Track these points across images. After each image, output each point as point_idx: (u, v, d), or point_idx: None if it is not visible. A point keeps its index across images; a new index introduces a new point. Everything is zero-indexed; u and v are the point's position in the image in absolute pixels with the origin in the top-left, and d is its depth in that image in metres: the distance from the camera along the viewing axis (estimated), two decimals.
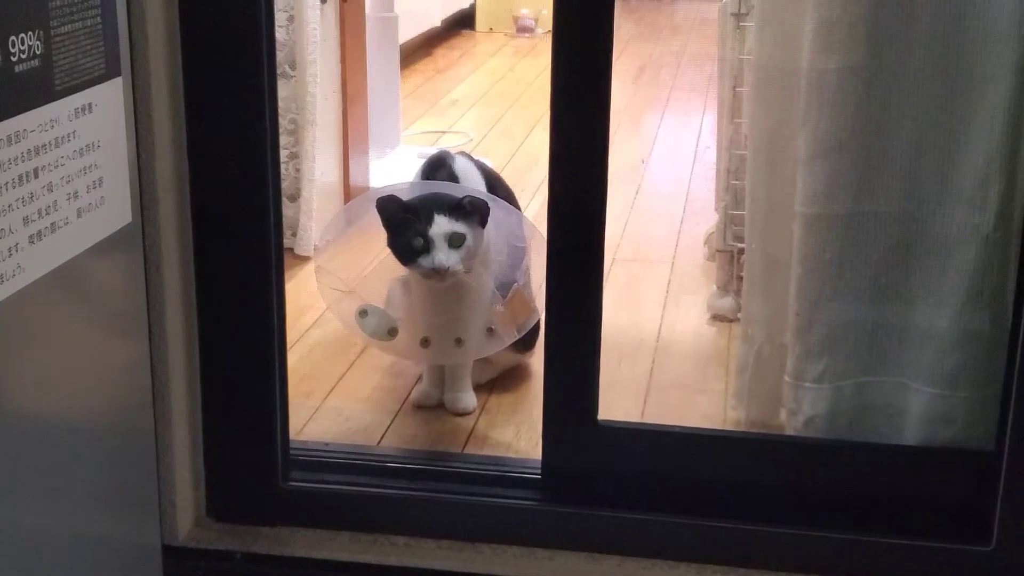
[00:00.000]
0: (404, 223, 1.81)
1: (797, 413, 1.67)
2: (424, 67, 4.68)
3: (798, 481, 1.62)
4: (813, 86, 1.59)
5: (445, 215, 1.80)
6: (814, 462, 1.63)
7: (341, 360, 2.14)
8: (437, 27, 4.91)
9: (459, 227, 1.80)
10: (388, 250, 1.86)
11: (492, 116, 3.90)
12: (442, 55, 4.95)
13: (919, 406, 1.61)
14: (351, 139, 2.80)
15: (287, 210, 2.55)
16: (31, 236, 1.11)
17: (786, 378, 1.68)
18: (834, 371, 1.64)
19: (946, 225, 1.56)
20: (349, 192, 2.82)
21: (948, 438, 1.60)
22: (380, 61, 3.08)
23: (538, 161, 3.38)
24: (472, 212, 1.82)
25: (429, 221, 1.80)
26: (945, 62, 1.53)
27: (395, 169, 3.12)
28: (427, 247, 1.80)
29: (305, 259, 2.55)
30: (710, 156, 3.16)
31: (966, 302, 1.57)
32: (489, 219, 1.84)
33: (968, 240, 1.56)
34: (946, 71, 1.53)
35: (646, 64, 4.70)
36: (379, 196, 1.85)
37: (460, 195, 1.83)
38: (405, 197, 1.85)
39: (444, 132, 3.68)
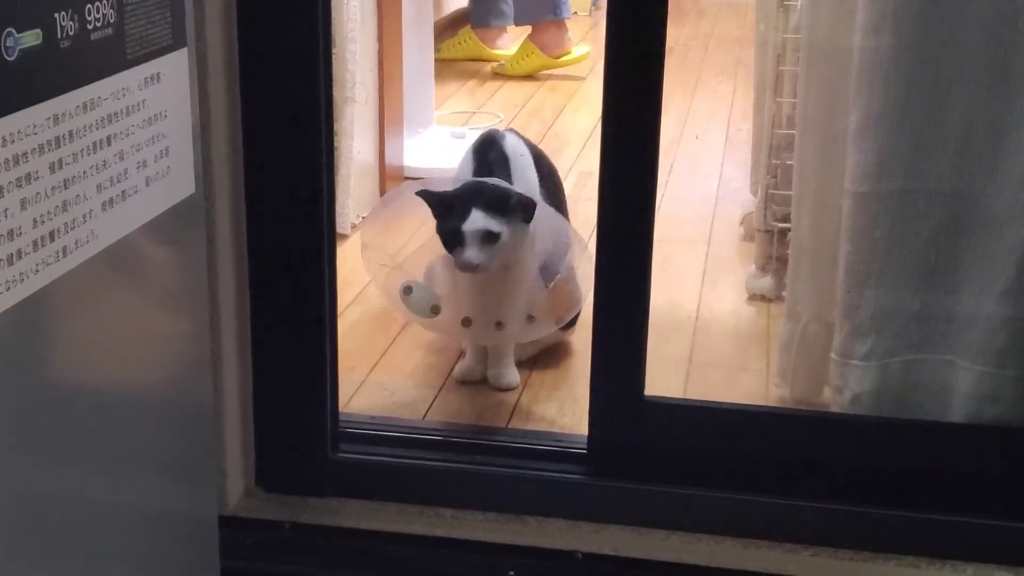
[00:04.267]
0: (447, 212, 1.82)
1: (843, 390, 1.68)
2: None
3: (844, 457, 1.62)
4: (864, 64, 1.59)
5: (483, 211, 1.79)
6: (860, 439, 1.64)
7: (382, 336, 2.15)
8: (466, 7, 4.90)
9: (495, 225, 1.79)
10: (432, 228, 1.87)
11: (522, 96, 3.90)
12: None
13: (966, 384, 1.61)
14: (387, 118, 2.81)
15: None
16: (103, 203, 1.12)
17: (833, 355, 1.69)
18: (881, 349, 1.64)
19: (996, 204, 1.57)
20: (385, 171, 2.83)
21: (995, 416, 1.60)
22: (414, 40, 3.08)
23: (569, 142, 3.38)
24: (516, 209, 1.81)
25: (464, 216, 1.79)
26: (996, 40, 1.53)
27: (428, 148, 3.13)
28: (460, 241, 1.80)
29: (343, 237, 2.55)
30: (741, 137, 3.17)
31: (1015, 280, 1.57)
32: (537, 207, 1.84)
33: (1018, 219, 1.56)
34: (997, 49, 1.53)
35: (674, 46, 4.68)
36: (417, 189, 1.85)
37: (507, 190, 1.82)
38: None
39: (475, 112, 3.68)
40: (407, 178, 2.97)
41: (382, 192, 2.83)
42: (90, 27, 1.07)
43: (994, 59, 1.54)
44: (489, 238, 1.79)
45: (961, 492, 1.59)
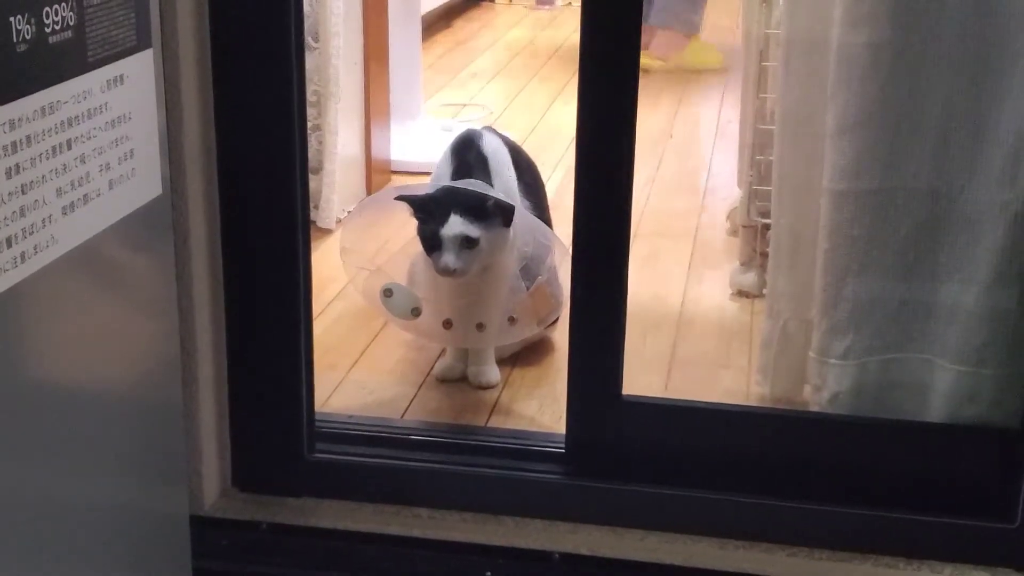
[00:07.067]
0: (427, 216, 1.81)
1: (822, 389, 1.67)
2: (444, 39, 4.66)
3: (822, 457, 1.62)
4: (842, 61, 1.58)
5: (461, 215, 1.78)
6: (838, 438, 1.63)
7: (364, 333, 2.14)
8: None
9: (473, 230, 1.78)
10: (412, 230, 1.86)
11: (513, 89, 3.89)
12: (461, 27, 4.93)
13: (945, 383, 1.60)
14: (373, 111, 2.80)
15: (309, 183, 2.55)
16: (64, 207, 1.11)
17: (811, 354, 1.68)
18: (860, 347, 1.63)
19: (975, 202, 1.56)
20: (371, 164, 2.82)
21: (973, 415, 1.60)
22: (402, 32, 3.06)
23: (559, 134, 3.36)
24: (494, 213, 1.81)
25: (443, 221, 1.79)
26: (976, 37, 1.52)
27: (416, 141, 3.12)
28: (439, 246, 1.80)
29: (327, 232, 2.55)
30: (732, 131, 3.15)
31: (994, 279, 1.56)
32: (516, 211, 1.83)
33: (997, 217, 1.55)
34: (976, 47, 1.52)
35: None
36: (398, 195, 1.85)
37: (486, 194, 1.81)
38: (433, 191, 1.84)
39: (465, 105, 3.67)
40: (394, 172, 2.96)
41: (368, 186, 2.82)
42: (48, 30, 1.06)
43: (972, 57, 1.53)
44: (468, 243, 1.79)
45: (939, 492, 1.58)
